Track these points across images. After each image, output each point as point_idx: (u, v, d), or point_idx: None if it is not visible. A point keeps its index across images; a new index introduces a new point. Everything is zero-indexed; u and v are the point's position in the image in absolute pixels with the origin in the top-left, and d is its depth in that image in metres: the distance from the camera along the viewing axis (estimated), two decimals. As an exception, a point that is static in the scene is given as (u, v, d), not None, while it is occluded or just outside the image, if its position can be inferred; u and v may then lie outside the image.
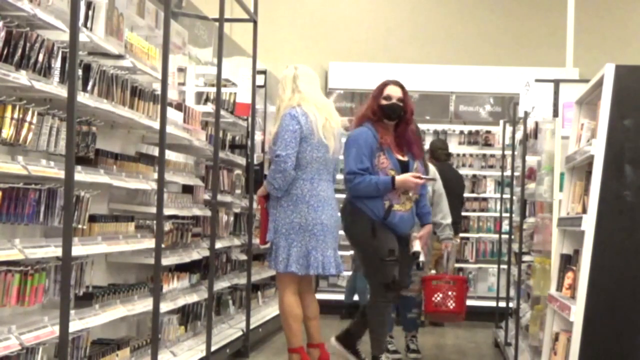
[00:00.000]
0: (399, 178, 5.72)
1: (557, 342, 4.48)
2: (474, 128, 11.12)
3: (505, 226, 9.04)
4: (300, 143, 5.79)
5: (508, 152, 8.40)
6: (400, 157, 5.87)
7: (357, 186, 5.76)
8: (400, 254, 5.82)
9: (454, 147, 10.72)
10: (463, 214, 10.06)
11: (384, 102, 5.93)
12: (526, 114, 6.97)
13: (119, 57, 4.86)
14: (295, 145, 5.76)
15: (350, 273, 10.22)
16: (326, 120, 5.90)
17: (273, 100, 9.75)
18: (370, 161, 5.76)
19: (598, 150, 4.01)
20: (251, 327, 7.33)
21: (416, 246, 5.87)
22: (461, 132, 11.12)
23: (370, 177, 5.73)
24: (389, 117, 5.92)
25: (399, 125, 5.95)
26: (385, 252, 5.76)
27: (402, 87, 6.05)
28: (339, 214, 6.06)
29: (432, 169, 7.21)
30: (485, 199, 11.00)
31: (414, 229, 6.02)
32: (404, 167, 5.84)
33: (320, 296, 10.65)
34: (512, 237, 7.79)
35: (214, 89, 6.72)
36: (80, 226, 4.43)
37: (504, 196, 9.11)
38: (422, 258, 5.88)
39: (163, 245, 5.18)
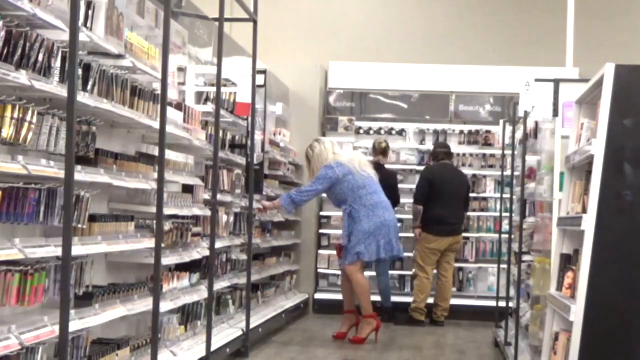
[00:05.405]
0: None
1: (557, 342, 4.48)
2: (474, 128, 11.12)
3: (505, 226, 9.03)
4: None
5: (508, 152, 8.40)
6: None
7: None
8: None
9: (454, 147, 10.71)
10: (462, 213, 10.06)
11: None
12: (526, 113, 6.96)
13: (119, 57, 4.86)
14: None
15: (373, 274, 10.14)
16: None
17: (273, 100, 9.77)
18: None
19: (598, 150, 4.00)
20: (251, 327, 7.33)
21: None
22: (461, 132, 11.12)
23: None
24: None
25: None
26: None
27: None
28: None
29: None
30: (485, 199, 11.00)
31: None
32: None
33: (319, 296, 10.73)
34: (512, 237, 7.79)
35: (214, 89, 6.72)
36: (80, 226, 4.43)
37: (504, 196, 9.10)
38: None
39: (163, 245, 5.18)
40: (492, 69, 11.12)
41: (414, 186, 10.25)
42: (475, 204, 10.82)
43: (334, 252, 9.62)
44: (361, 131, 11.14)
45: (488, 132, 11.03)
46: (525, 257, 6.91)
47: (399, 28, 11.60)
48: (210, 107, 6.97)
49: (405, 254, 10.06)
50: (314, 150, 8.32)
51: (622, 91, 4.01)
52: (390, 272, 10.68)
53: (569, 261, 4.58)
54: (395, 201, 9.47)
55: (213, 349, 6.14)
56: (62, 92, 3.95)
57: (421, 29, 11.59)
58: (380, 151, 9.97)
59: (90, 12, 4.53)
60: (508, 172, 8.40)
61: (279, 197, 8.52)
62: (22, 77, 3.72)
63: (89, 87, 4.47)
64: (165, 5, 4.97)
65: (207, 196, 6.56)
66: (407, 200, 10.68)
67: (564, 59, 9.60)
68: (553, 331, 4.65)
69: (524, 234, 6.91)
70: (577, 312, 3.96)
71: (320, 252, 10.92)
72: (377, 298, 9.81)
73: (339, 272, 10.54)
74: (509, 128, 8.63)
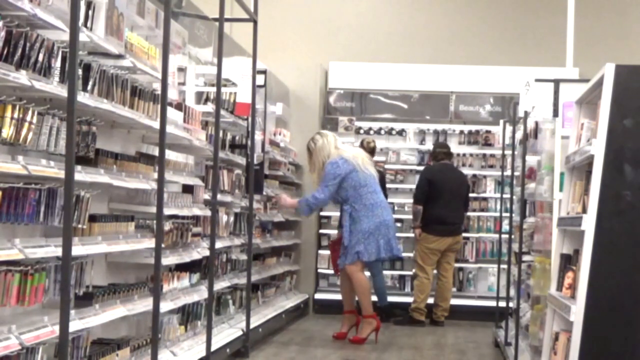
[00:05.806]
0: None
1: (557, 342, 4.48)
2: (474, 128, 11.12)
3: (505, 226, 9.04)
4: None
5: (508, 152, 8.40)
6: None
7: None
8: None
9: (454, 147, 10.72)
10: (462, 213, 10.07)
11: None
12: (526, 113, 6.97)
13: (119, 57, 4.86)
14: None
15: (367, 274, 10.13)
16: None
17: (273, 100, 9.77)
18: None
19: (598, 150, 4.00)
20: (251, 327, 7.33)
21: None
22: (461, 132, 11.12)
23: None
24: None
25: None
26: None
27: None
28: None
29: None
30: (485, 199, 11.00)
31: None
32: None
33: (319, 296, 10.73)
34: (512, 237, 7.79)
35: (214, 89, 6.72)
36: (80, 226, 4.43)
37: (504, 196, 9.11)
38: None
39: (163, 245, 5.18)
40: (492, 69, 11.12)
41: (414, 186, 10.26)
42: (475, 204, 10.82)
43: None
44: (361, 131, 11.14)
45: (488, 132, 11.03)
46: (525, 257, 6.91)
47: (399, 28, 11.60)
48: (210, 107, 6.97)
49: (405, 254, 10.07)
50: (316, 143, 8.29)
51: (622, 91, 4.01)
52: (390, 272, 10.70)
53: (569, 261, 4.58)
54: None
55: (213, 349, 6.14)
56: (62, 92, 3.95)
57: (421, 29, 11.59)
58: (369, 150, 9.95)
59: (90, 12, 4.53)
60: (508, 172, 8.40)
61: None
62: (22, 77, 3.72)
63: (89, 87, 4.46)
64: (165, 5, 4.97)
65: (207, 196, 6.56)
66: (407, 200, 10.68)
67: (564, 59, 9.60)
68: (553, 331, 4.65)
69: (524, 234, 6.91)
70: (577, 312, 3.96)
71: (320, 252, 10.92)
72: (374, 298, 9.81)
73: (337, 272, 10.55)
74: (509, 128, 8.63)
